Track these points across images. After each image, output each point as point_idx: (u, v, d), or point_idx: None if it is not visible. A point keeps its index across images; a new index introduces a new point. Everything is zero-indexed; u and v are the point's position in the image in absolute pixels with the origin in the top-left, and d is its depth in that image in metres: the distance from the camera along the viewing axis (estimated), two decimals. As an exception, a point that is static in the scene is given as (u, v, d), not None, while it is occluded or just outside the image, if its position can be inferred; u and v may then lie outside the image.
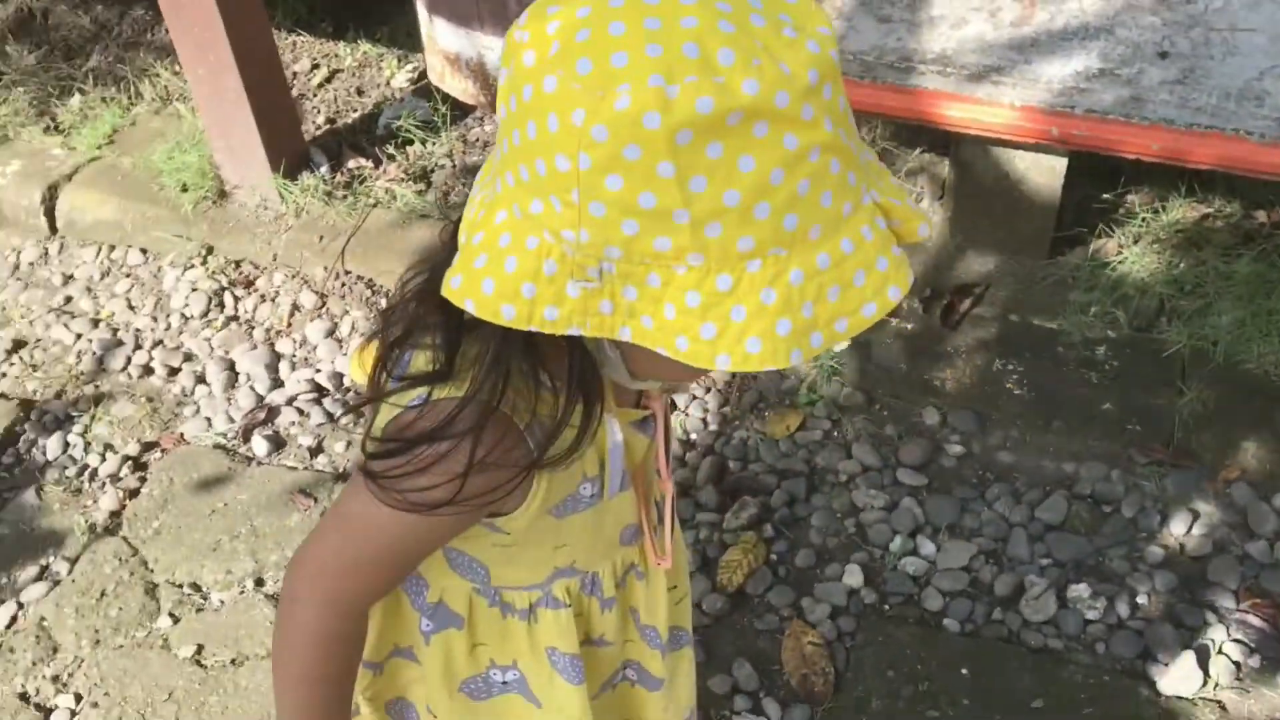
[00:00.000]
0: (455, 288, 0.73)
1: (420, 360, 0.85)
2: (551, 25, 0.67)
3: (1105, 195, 2.15)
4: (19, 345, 2.36)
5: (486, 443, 0.81)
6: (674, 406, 2.05)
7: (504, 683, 1.08)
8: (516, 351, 0.79)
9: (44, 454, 2.12)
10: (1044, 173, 2.05)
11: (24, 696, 1.77)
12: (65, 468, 2.10)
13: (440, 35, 2.48)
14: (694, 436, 2.04)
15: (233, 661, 1.79)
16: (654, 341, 0.70)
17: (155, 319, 2.38)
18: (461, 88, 2.55)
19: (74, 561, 1.94)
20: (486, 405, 0.80)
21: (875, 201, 0.71)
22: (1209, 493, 1.87)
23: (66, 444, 2.14)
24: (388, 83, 2.79)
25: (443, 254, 0.80)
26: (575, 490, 0.95)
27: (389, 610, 1.06)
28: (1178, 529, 1.83)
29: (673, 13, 0.65)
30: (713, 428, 2.05)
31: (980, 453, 1.97)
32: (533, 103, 0.67)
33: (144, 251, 2.52)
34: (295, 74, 2.84)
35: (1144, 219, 2.13)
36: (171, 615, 1.86)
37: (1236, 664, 1.67)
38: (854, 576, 1.80)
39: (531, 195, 0.70)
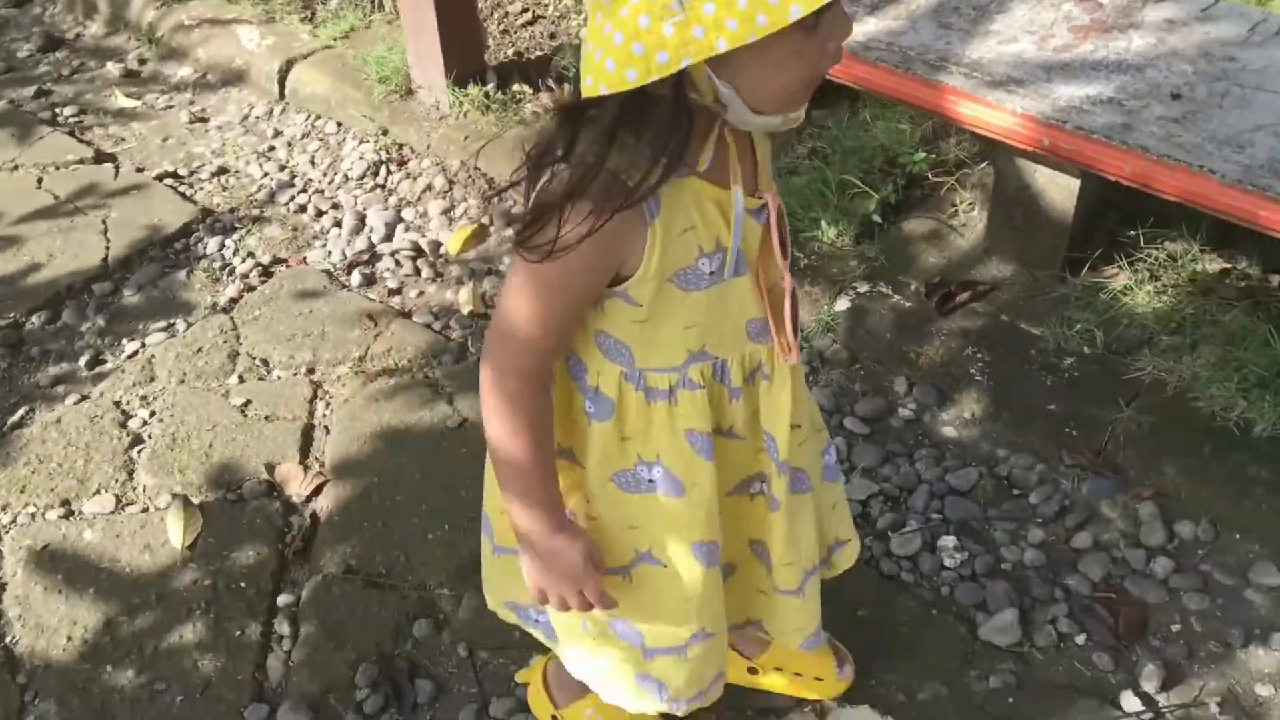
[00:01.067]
0: (589, 85, 0.92)
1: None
2: None
3: (1130, 231, 2.27)
4: (222, 171, 2.94)
5: (596, 192, 0.99)
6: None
7: (650, 480, 1.25)
8: (624, 124, 0.97)
9: (204, 249, 2.68)
10: (1059, 191, 2.20)
11: (117, 404, 2.29)
12: (215, 262, 2.64)
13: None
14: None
15: (267, 418, 2.24)
16: (741, 35, 0.86)
17: (325, 174, 2.91)
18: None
19: (190, 324, 2.47)
20: (594, 165, 0.99)
21: None
22: (1117, 503, 1.99)
23: (223, 245, 2.68)
24: (576, 34, 3.22)
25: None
26: (694, 263, 1.11)
27: (559, 409, 1.23)
28: (1070, 522, 1.97)
29: None
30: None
31: (928, 422, 2.16)
32: None
33: (339, 125, 3.06)
34: (507, 13, 3.32)
35: (1158, 259, 2.24)
36: (240, 377, 2.34)
37: (1062, 635, 1.81)
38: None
39: None
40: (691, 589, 1.31)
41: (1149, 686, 1.75)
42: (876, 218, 2.44)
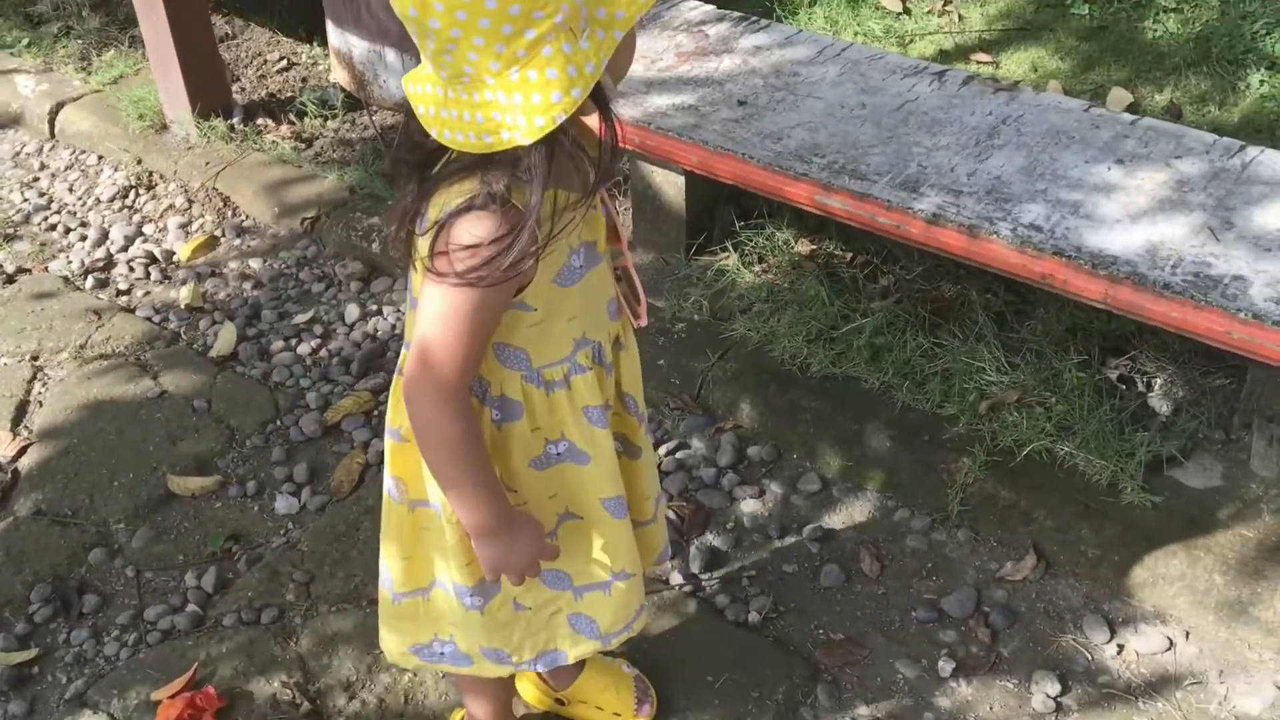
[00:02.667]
0: (540, 125, 1.08)
1: (439, 199, 1.20)
2: None
3: (741, 223, 2.70)
4: (-15, 199, 3.25)
5: (510, 222, 1.15)
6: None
7: (558, 454, 1.42)
8: (503, 164, 1.14)
9: (-43, 262, 2.97)
10: (672, 187, 2.63)
11: None
12: (-35, 273, 2.94)
13: (331, 35, 3.29)
14: (370, 330, 2.68)
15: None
16: (630, 19, 1.10)
17: (80, 199, 3.23)
18: (343, 77, 3.34)
19: (-67, 323, 2.76)
20: (504, 198, 1.15)
21: None
22: (705, 435, 2.39)
23: (-26, 259, 2.98)
24: (324, 78, 3.61)
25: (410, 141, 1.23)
26: (568, 260, 1.27)
27: None
28: (663, 451, 2.36)
29: None
30: (387, 327, 2.70)
31: (564, 381, 2.54)
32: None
33: (100, 158, 3.39)
34: (266, 60, 3.70)
35: (763, 245, 2.68)
36: (-30, 364, 2.64)
37: (631, 536, 2.18)
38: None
39: (508, 62, 1.08)
40: (607, 535, 1.50)
41: (695, 568, 2.13)
42: (543, 218, 2.84)
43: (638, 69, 2.59)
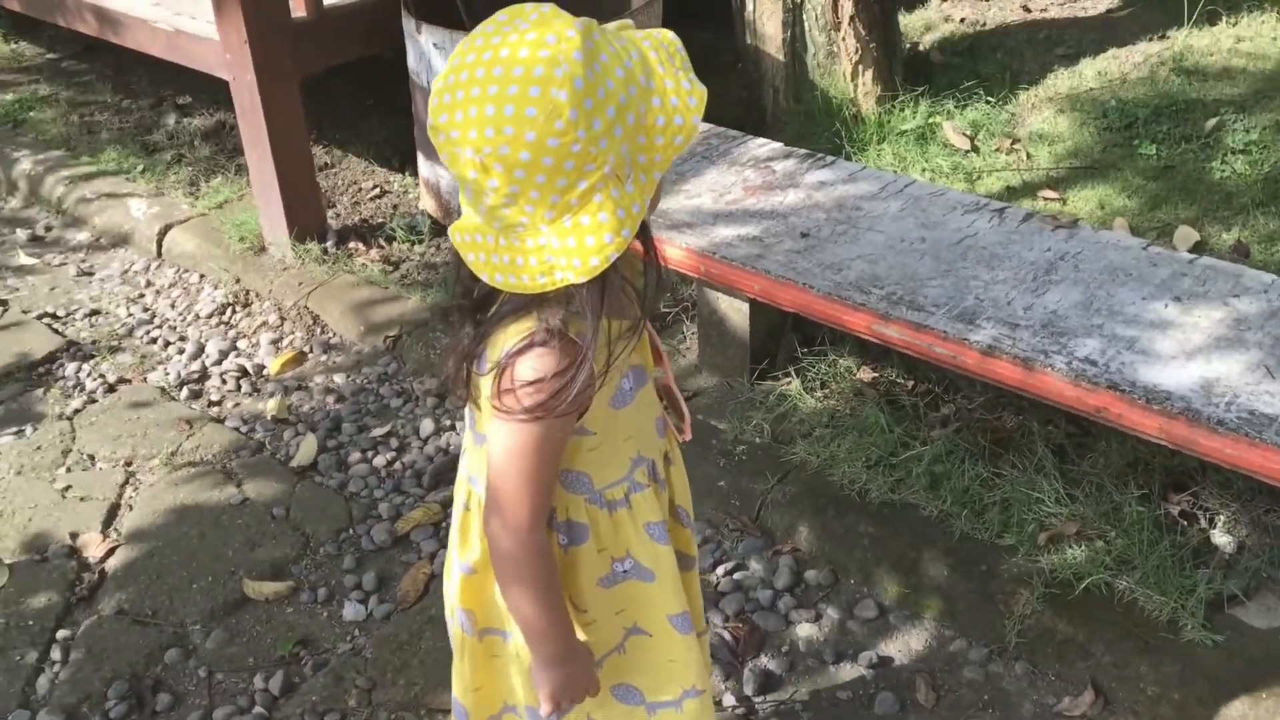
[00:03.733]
0: (595, 265, 1.13)
1: (498, 340, 1.25)
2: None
3: (803, 349, 2.78)
4: (94, 312, 3.46)
5: (570, 355, 1.20)
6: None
7: (624, 572, 1.46)
8: (557, 301, 1.20)
9: (63, 372, 3.16)
10: (737, 313, 2.72)
11: None
12: (70, 382, 3.12)
13: (421, 166, 3.49)
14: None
15: (81, 499, 2.68)
16: (667, 161, 1.17)
17: (181, 314, 3.43)
18: (431, 205, 3.53)
19: (36, 429, 2.93)
20: (561, 333, 1.20)
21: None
22: (763, 557, 2.42)
23: (79, 369, 3.17)
24: (413, 205, 3.81)
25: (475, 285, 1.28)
26: (620, 385, 1.33)
27: None
28: (721, 571, 2.40)
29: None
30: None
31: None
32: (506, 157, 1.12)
33: (201, 276, 3.60)
34: (361, 188, 3.91)
35: (826, 371, 2.74)
36: (68, 468, 2.78)
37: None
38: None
39: (562, 211, 1.14)
40: (675, 652, 1.53)
41: (749, 690, 2.14)
42: (613, 341, 2.94)
43: (706, 201, 2.71)
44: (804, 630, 2.27)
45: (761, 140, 2.97)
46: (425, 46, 3.19)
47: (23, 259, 3.76)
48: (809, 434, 2.62)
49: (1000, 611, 2.20)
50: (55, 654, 2.28)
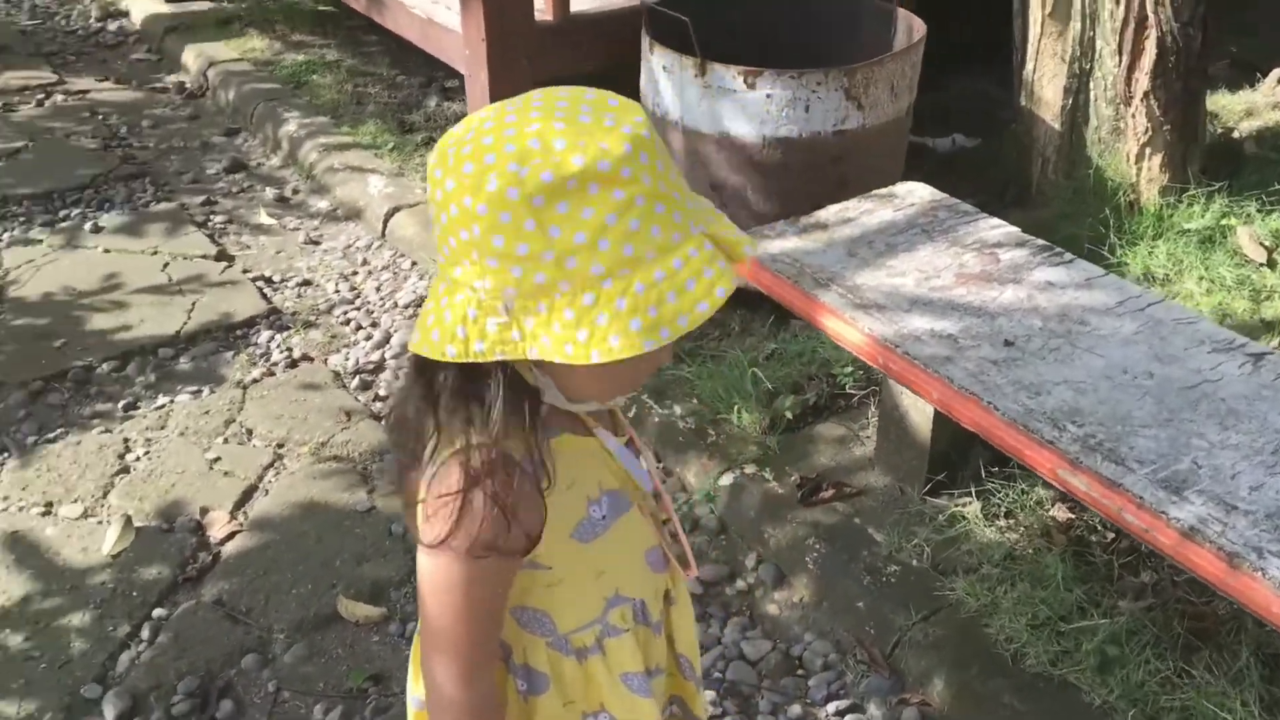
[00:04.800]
0: (414, 343, 0.99)
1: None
2: (449, 149, 0.97)
3: (994, 469, 2.42)
4: (306, 283, 3.51)
5: (500, 478, 1.01)
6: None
7: None
8: (465, 393, 1.01)
9: (256, 339, 3.21)
10: (919, 414, 2.39)
11: (126, 440, 2.80)
12: (259, 350, 3.17)
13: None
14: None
15: (225, 474, 2.69)
16: (551, 353, 0.92)
17: (381, 300, 3.42)
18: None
19: (212, 393, 2.98)
20: (485, 448, 1.01)
21: (703, 231, 0.97)
22: (885, 702, 2.11)
23: (272, 339, 3.21)
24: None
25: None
26: (586, 514, 1.14)
27: None
28: (831, 709, 2.10)
29: (523, 121, 0.95)
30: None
31: (758, 596, 2.35)
32: (443, 199, 0.96)
33: (414, 263, 3.59)
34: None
35: (1014, 499, 2.38)
36: (225, 439, 2.80)
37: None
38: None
39: (453, 264, 0.97)
40: None
41: None
42: (788, 414, 2.68)
43: (909, 282, 2.39)
44: (908, 804, 1.95)
45: (996, 221, 2.61)
46: (655, 67, 3.01)
47: (263, 218, 3.88)
48: (975, 569, 2.27)
49: None
50: (145, 633, 2.27)
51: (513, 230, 0.92)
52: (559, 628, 1.19)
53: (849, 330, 2.29)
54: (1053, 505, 2.36)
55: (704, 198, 1.03)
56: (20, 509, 2.57)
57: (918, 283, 2.40)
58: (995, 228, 2.59)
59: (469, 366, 0.99)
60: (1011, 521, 2.36)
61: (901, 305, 2.33)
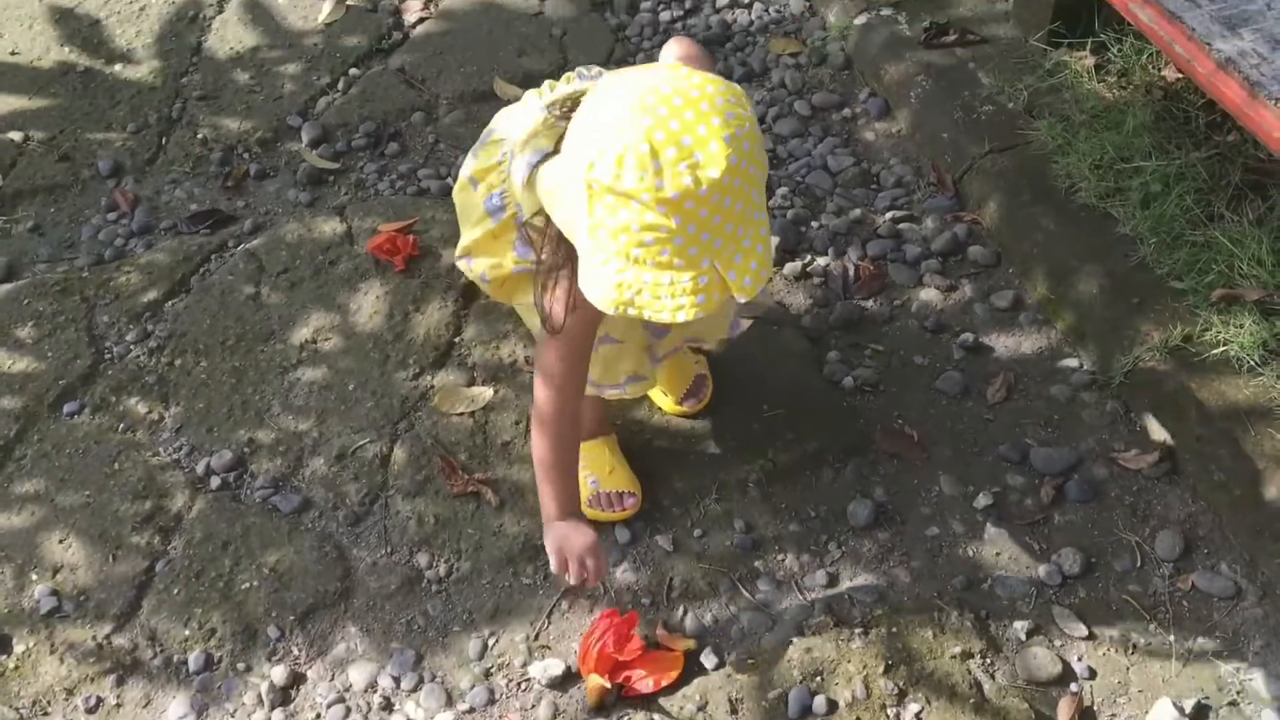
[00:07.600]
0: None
1: None
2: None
3: (1117, 24, 2.45)
4: None
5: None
6: None
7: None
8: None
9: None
10: (1049, -38, 2.42)
11: None
12: None
13: None
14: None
15: None
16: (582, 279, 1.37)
17: None
18: None
19: None
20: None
21: (711, 265, 1.27)
22: (942, 217, 2.33)
23: None
24: None
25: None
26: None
27: None
28: (889, 216, 2.35)
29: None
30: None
31: (859, 124, 2.56)
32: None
33: None
34: None
35: (1127, 53, 2.42)
36: None
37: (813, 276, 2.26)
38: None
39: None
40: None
41: (830, 319, 2.17)
42: (936, -37, 2.74)
43: None
44: (927, 295, 2.22)
45: None
46: None
47: None
48: (1066, 116, 2.38)
49: (1124, 347, 2.02)
50: (340, 85, 2.73)
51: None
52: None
53: None
54: (1166, 65, 2.39)
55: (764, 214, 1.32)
56: None
57: None
58: None
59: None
60: (1121, 79, 2.42)
61: None
